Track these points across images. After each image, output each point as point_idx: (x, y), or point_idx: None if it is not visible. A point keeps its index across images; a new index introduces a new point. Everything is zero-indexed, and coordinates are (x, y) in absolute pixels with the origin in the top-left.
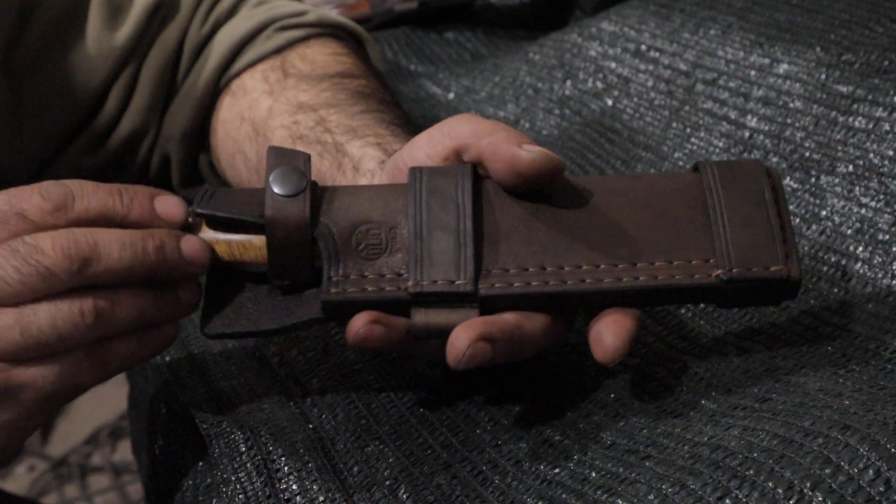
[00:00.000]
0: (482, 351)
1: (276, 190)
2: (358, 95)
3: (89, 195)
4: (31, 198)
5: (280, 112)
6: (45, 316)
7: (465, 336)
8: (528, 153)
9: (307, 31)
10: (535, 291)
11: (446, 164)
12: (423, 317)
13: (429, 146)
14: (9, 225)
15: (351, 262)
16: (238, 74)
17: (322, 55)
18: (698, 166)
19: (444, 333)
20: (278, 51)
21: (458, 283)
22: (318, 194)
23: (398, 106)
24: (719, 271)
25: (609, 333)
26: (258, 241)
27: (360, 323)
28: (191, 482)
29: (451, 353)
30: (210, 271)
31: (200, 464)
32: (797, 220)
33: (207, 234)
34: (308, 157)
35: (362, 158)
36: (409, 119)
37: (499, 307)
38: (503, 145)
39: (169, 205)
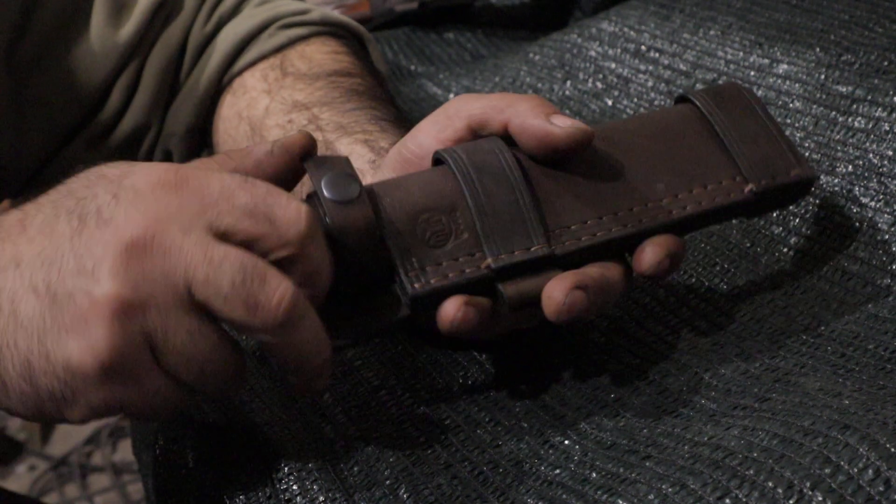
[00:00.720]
0: (579, 300)
1: (332, 197)
2: (352, 93)
3: (313, 262)
4: (289, 225)
5: (276, 111)
6: (214, 345)
7: (560, 287)
8: (562, 129)
9: (309, 30)
10: (602, 240)
11: (478, 142)
12: (514, 288)
13: (437, 131)
14: (254, 226)
15: (422, 253)
16: (240, 73)
17: (321, 54)
18: (687, 97)
19: (536, 299)
20: (280, 49)
21: (534, 248)
22: (372, 194)
23: (393, 104)
24: (751, 186)
25: (650, 249)
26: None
27: (453, 308)
28: (191, 482)
29: (550, 307)
30: None
31: (201, 464)
32: (797, 220)
33: None
34: (348, 159)
35: (350, 156)
36: (404, 116)
37: (573, 264)
38: (531, 120)
39: None
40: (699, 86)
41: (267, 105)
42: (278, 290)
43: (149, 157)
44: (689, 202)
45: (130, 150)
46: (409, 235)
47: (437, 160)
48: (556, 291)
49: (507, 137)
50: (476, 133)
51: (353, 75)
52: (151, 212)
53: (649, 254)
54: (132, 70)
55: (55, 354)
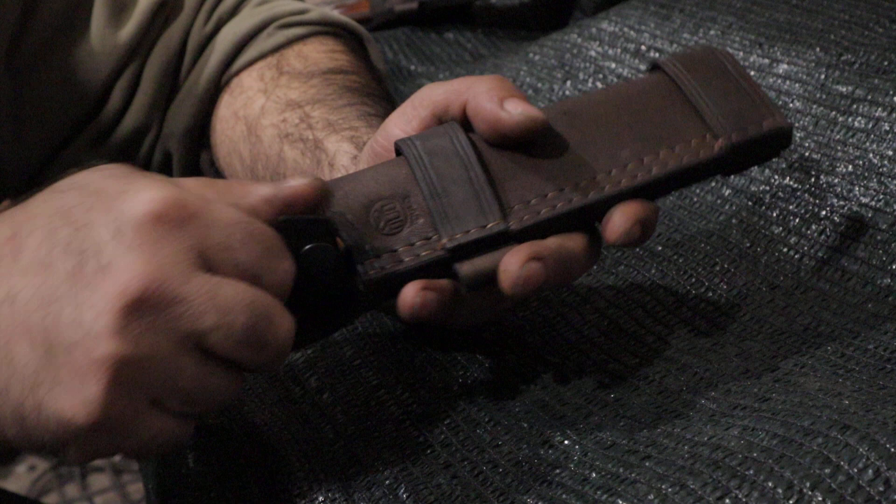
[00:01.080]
0: (535, 271)
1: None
2: (344, 90)
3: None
4: (270, 266)
5: (271, 110)
6: (221, 381)
7: (515, 259)
8: (511, 116)
9: (308, 30)
10: (562, 211)
11: (433, 129)
12: (469, 267)
13: (404, 122)
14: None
15: (377, 241)
16: (238, 73)
17: (317, 52)
18: (657, 65)
19: (492, 277)
20: (277, 49)
21: (489, 225)
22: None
23: (388, 100)
24: (720, 141)
25: (617, 216)
26: None
27: (411, 293)
28: (191, 483)
29: (506, 280)
30: None
31: (200, 465)
32: (797, 220)
33: None
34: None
35: (337, 153)
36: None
37: (534, 238)
38: (484, 104)
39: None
40: None
41: (262, 104)
42: (283, 326)
43: (149, 158)
44: (655, 165)
45: (130, 151)
46: (362, 226)
47: (397, 150)
48: (511, 264)
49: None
50: (440, 119)
51: (349, 72)
52: (154, 258)
53: (617, 221)
54: (132, 71)
55: (47, 407)
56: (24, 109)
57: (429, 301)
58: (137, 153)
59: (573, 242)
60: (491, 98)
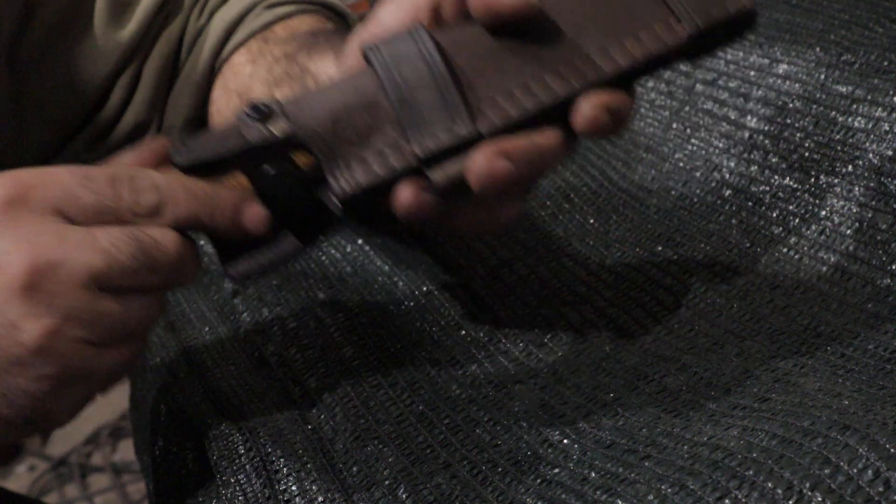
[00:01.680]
0: (502, 167)
1: (248, 113)
2: (328, 35)
3: (179, 204)
4: (123, 194)
5: (258, 73)
6: (144, 304)
7: (481, 156)
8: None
9: (295, 8)
10: (530, 109)
11: (398, 33)
12: (440, 173)
13: (395, 7)
14: (112, 193)
15: (346, 153)
16: (229, 56)
17: (304, 24)
18: None
19: (465, 180)
20: (266, 27)
21: (459, 130)
22: (290, 107)
23: None
24: (685, 26)
25: (584, 104)
26: (242, 177)
27: (407, 193)
28: (191, 483)
29: (474, 177)
30: None
31: (200, 465)
32: (797, 220)
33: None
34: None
35: (320, 67)
36: None
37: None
38: None
39: (255, 220)
40: (699, 86)
41: (251, 71)
42: (168, 242)
43: None
44: (620, 55)
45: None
46: (331, 138)
47: (365, 59)
48: (478, 161)
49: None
50: (437, 10)
51: (333, 33)
52: (22, 235)
53: (584, 109)
54: (133, 69)
55: (13, 401)
56: (25, 107)
57: (424, 201)
58: None
59: (543, 138)
60: None
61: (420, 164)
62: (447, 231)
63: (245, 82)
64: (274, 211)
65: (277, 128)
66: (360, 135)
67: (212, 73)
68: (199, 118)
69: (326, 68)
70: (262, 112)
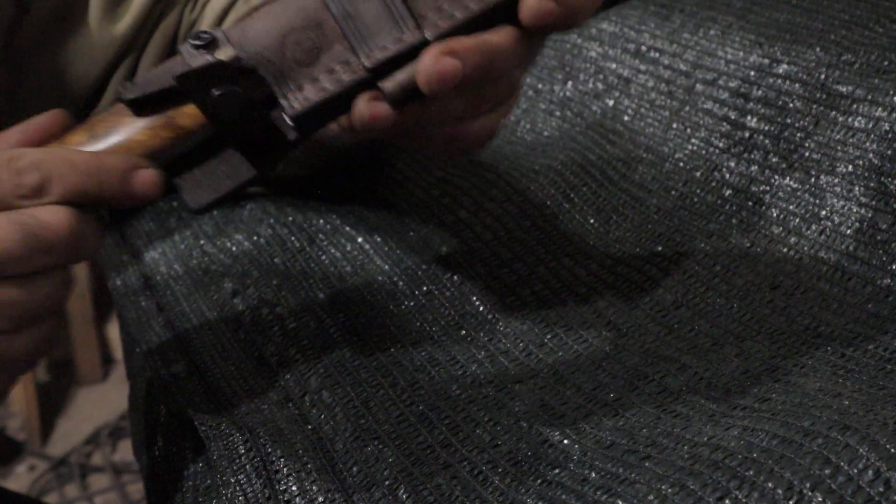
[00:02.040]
0: (449, 65)
1: (191, 42)
2: None
3: (64, 179)
4: (2, 177)
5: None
6: (46, 285)
7: (427, 57)
8: None
9: None
10: (474, 10)
11: None
12: (391, 82)
13: None
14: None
15: (296, 73)
16: None
17: None
18: None
19: (416, 87)
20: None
21: (406, 38)
22: (234, 34)
23: None
24: None
25: None
26: (190, 107)
27: (362, 104)
28: (190, 483)
29: (422, 79)
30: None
31: (200, 465)
32: (797, 220)
33: (139, 122)
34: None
35: None
36: None
37: None
38: None
39: (147, 184)
40: (699, 86)
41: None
42: (53, 220)
43: None
44: None
45: None
46: (279, 61)
47: None
48: (424, 62)
49: None
50: None
51: None
52: None
53: (529, 1)
54: (129, 63)
55: None
56: (20, 102)
57: (379, 112)
58: None
59: (495, 35)
60: None
61: (371, 76)
62: (425, 151)
63: None
64: (228, 136)
65: (222, 52)
66: (308, 54)
67: None
68: None
69: None
70: (205, 40)
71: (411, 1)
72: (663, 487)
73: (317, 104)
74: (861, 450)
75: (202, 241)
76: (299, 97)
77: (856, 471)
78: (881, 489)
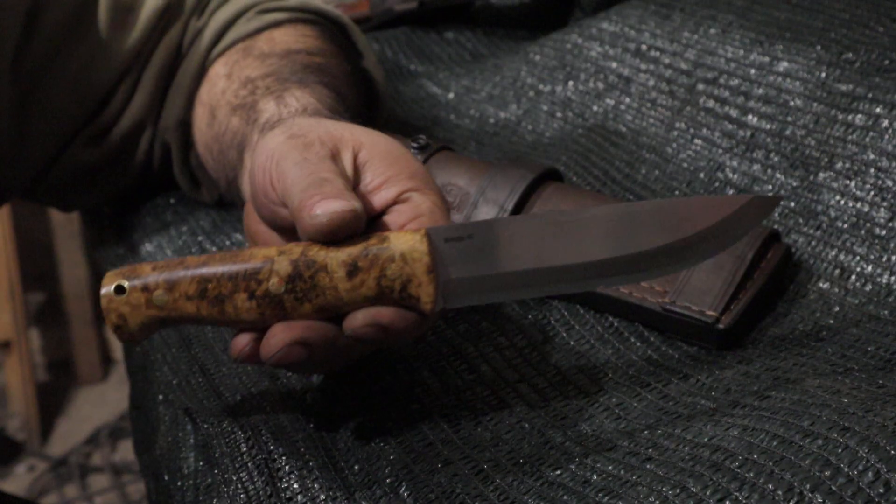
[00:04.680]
0: (296, 353)
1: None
2: (299, 66)
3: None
4: None
5: (229, 90)
6: None
7: (277, 338)
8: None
9: (286, 15)
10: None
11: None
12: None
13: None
14: None
15: None
16: (214, 60)
17: (286, 36)
18: None
19: None
20: (252, 34)
21: None
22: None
23: (345, 82)
24: (665, 299)
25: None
26: None
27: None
28: (192, 482)
29: (265, 352)
30: None
31: (202, 463)
32: (797, 217)
33: None
34: None
35: (262, 113)
36: (350, 94)
37: None
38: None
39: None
40: (700, 85)
41: (223, 87)
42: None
43: (149, 151)
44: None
45: (129, 146)
46: None
47: None
48: (275, 339)
49: None
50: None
51: (311, 53)
52: None
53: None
54: (135, 74)
55: None
56: (28, 115)
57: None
58: (136, 148)
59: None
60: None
61: None
62: None
63: (217, 97)
64: None
65: None
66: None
67: (201, 74)
68: (189, 117)
69: (263, 116)
70: None
71: None
72: (664, 489)
73: None
74: (861, 451)
75: (200, 238)
76: None
77: (856, 472)
78: (881, 490)
